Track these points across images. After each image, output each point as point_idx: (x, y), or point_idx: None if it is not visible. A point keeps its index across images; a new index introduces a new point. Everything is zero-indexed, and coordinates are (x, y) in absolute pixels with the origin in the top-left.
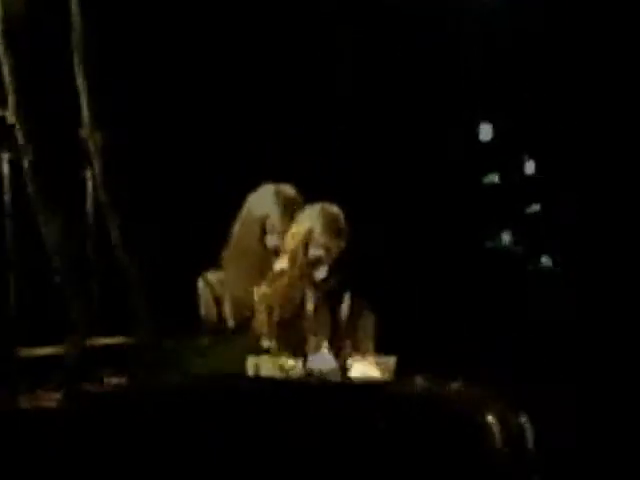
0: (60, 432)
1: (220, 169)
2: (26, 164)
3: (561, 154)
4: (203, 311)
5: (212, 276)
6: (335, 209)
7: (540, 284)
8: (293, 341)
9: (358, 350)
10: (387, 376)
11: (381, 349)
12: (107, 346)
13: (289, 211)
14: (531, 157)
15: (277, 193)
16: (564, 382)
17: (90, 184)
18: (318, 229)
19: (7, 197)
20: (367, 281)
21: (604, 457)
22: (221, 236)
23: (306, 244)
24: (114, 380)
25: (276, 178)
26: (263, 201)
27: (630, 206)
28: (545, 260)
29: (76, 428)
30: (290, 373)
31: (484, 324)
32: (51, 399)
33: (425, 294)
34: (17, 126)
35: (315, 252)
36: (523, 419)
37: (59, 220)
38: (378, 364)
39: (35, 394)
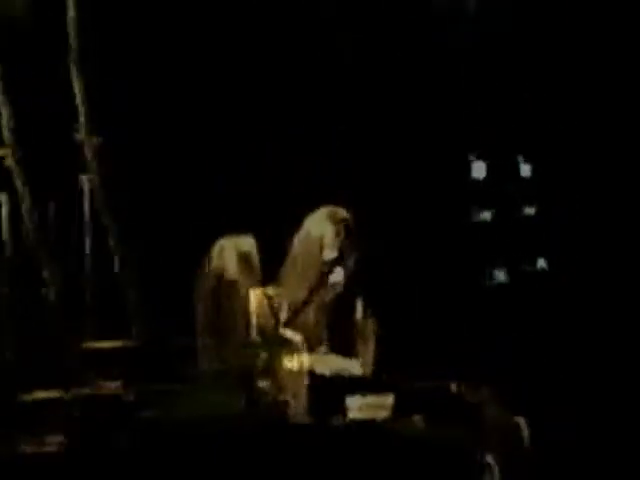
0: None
1: (218, 170)
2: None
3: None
4: (256, 320)
5: (270, 290)
6: (343, 212)
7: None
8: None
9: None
10: (385, 414)
11: (381, 352)
12: (104, 350)
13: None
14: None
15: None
16: (563, 383)
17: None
18: (329, 233)
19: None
20: (369, 286)
21: (602, 457)
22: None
23: (320, 249)
24: (111, 385)
25: (275, 181)
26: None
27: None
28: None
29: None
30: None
31: (483, 326)
32: (53, 443)
33: (425, 298)
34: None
35: (329, 255)
36: (520, 420)
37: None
38: (376, 403)
39: (37, 438)
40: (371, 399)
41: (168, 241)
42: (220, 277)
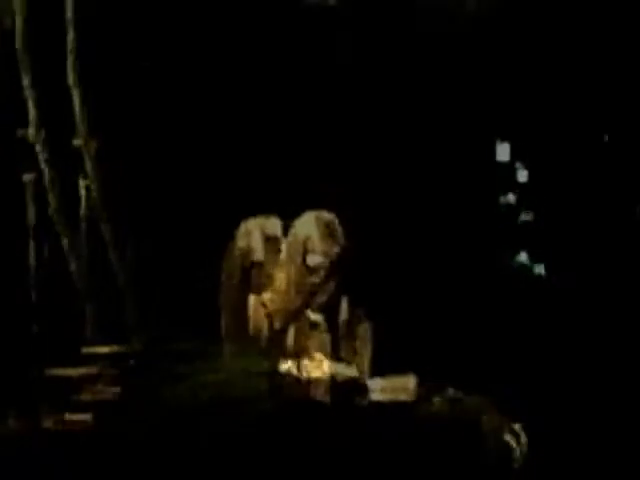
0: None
1: (215, 172)
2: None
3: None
4: (253, 326)
5: (265, 295)
6: (329, 215)
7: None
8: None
9: (355, 356)
10: (407, 396)
11: (377, 356)
12: (104, 355)
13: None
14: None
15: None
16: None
17: (84, 192)
18: (315, 236)
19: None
20: (365, 290)
21: (601, 461)
22: (217, 241)
23: (304, 252)
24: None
25: (277, 183)
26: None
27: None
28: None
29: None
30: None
31: (482, 332)
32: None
33: (422, 302)
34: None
35: (313, 260)
36: (517, 427)
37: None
38: (398, 384)
39: (61, 416)
40: (393, 381)
41: (167, 244)
42: (246, 258)
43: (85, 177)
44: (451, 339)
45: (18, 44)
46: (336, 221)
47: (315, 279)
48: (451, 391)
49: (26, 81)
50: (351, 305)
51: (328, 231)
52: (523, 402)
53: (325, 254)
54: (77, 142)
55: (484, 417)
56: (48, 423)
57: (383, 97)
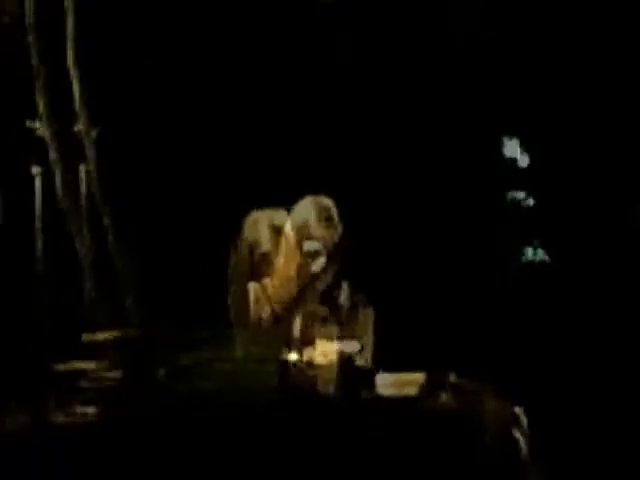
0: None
1: (215, 162)
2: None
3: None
4: (254, 311)
5: (266, 281)
6: (326, 200)
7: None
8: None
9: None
10: (414, 391)
11: (380, 342)
12: (103, 341)
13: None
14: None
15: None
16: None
17: (85, 178)
18: (312, 221)
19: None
20: (368, 275)
21: (603, 446)
22: (217, 229)
23: (301, 237)
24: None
25: (279, 172)
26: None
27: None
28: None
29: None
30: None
31: (482, 317)
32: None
33: (425, 289)
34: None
35: (311, 245)
36: (518, 411)
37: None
38: (407, 379)
39: (69, 408)
40: (401, 375)
41: (167, 232)
42: (253, 249)
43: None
44: (452, 326)
45: (30, 32)
46: (333, 206)
47: (314, 266)
48: (453, 377)
49: (36, 72)
50: (352, 291)
51: (325, 215)
52: (524, 388)
53: (322, 239)
54: (78, 127)
55: (487, 408)
56: (54, 416)
57: (390, 95)
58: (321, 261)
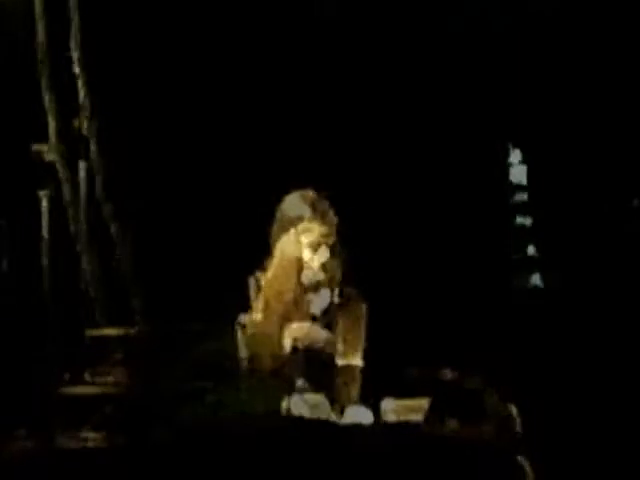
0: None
1: (217, 154)
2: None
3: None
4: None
5: (260, 276)
6: (311, 193)
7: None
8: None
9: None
10: (420, 417)
11: (373, 337)
12: (110, 337)
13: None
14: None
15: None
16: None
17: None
18: (308, 216)
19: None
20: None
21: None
22: (219, 222)
23: (296, 231)
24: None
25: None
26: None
27: None
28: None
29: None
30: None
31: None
32: (91, 438)
33: (422, 284)
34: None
35: (310, 238)
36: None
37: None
38: (411, 405)
39: (75, 433)
40: (406, 402)
41: (170, 225)
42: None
43: (86, 159)
44: (446, 321)
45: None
46: (322, 198)
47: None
48: (449, 373)
49: (46, 95)
50: (345, 286)
51: (321, 210)
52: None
53: (320, 235)
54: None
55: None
56: (62, 441)
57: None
58: (325, 252)
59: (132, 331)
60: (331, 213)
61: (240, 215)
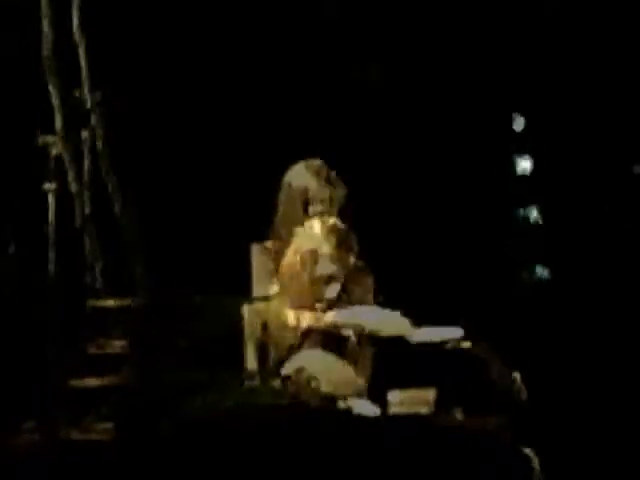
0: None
1: (221, 124)
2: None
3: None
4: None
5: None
6: (317, 161)
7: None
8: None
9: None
10: (427, 409)
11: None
12: (112, 308)
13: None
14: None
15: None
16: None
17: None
18: (314, 185)
19: None
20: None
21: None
22: (221, 199)
23: (304, 201)
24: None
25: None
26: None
27: None
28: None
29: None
30: None
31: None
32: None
33: (430, 252)
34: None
35: (317, 207)
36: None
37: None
38: (418, 397)
39: (84, 425)
40: (412, 393)
41: (173, 200)
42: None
43: (91, 130)
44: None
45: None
46: (326, 167)
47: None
48: (455, 341)
49: (52, 88)
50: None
51: (325, 176)
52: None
53: (327, 200)
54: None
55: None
56: (68, 433)
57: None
58: (333, 219)
59: (133, 302)
60: (337, 180)
61: (243, 186)
